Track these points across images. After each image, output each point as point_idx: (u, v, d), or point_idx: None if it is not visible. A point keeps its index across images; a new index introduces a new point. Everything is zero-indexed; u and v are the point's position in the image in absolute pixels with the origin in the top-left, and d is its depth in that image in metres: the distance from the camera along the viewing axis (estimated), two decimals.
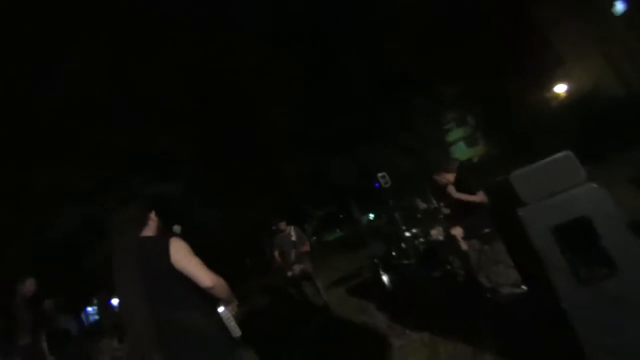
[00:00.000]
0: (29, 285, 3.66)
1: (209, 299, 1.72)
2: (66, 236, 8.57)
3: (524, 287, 2.95)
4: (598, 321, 1.63)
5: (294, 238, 4.89)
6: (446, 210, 3.80)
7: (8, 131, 8.42)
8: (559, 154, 1.84)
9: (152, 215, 1.89)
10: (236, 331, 1.79)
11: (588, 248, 1.69)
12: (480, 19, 12.62)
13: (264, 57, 12.53)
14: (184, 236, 1.87)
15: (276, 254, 4.95)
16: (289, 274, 4.78)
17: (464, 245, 3.58)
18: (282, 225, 5.01)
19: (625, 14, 11.29)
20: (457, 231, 3.61)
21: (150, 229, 1.84)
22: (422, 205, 4.14)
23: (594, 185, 1.69)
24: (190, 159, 11.66)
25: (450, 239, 3.63)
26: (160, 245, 1.67)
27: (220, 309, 1.79)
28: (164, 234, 1.83)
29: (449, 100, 15.23)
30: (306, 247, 4.89)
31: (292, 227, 5.01)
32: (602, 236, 1.62)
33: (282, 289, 5.02)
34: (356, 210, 15.48)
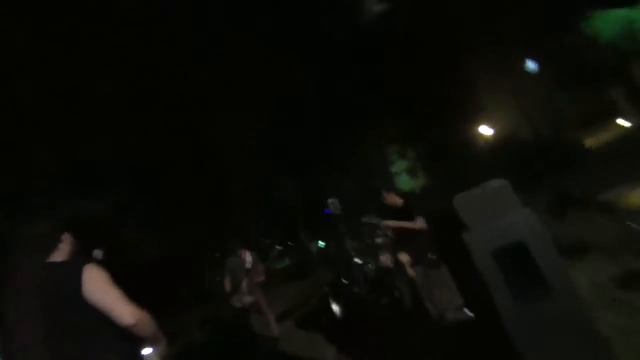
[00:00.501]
0: None
1: (130, 339, 1.43)
2: None
3: (466, 310, 3.05)
4: (536, 337, 1.71)
5: (248, 265, 4.44)
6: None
7: None
8: (496, 181, 1.97)
9: (66, 236, 1.58)
10: None
11: (525, 270, 1.79)
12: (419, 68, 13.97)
13: (217, 69, 12.24)
14: (107, 263, 1.59)
15: (226, 281, 4.47)
16: (238, 304, 4.35)
17: (410, 272, 3.65)
18: (239, 249, 4.56)
19: (535, 72, 13.45)
20: (404, 257, 3.69)
21: (61, 253, 1.53)
22: (370, 220, 4.10)
23: (529, 211, 1.82)
24: (127, 174, 10.58)
25: (398, 265, 3.69)
26: (71, 272, 1.39)
27: (145, 352, 1.52)
28: (79, 259, 1.53)
29: (392, 135, 16.34)
30: (261, 277, 4.49)
31: (248, 253, 4.58)
32: (537, 259, 1.72)
33: (226, 321, 4.56)
34: (306, 237, 15.28)
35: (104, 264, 1.53)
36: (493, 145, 14.33)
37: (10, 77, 8.42)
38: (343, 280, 4.11)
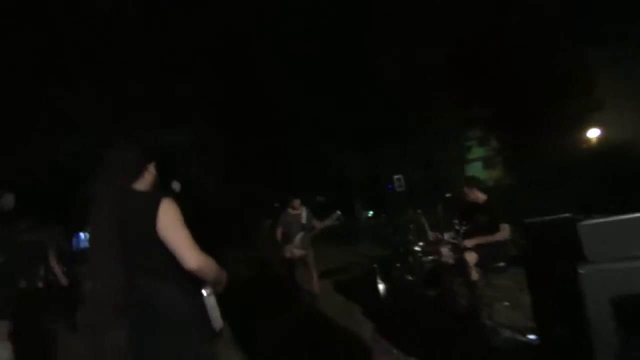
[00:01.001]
0: (6, 200, 3.38)
1: (194, 278, 1.42)
2: (66, 161, 8.36)
3: (531, 336, 2.72)
4: None
5: (304, 220, 4.53)
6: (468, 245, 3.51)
7: (27, 46, 8.11)
8: (637, 214, 1.55)
9: (151, 167, 1.58)
10: (218, 322, 1.51)
11: None
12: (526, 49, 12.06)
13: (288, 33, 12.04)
14: (182, 197, 1.59)
15: (278, 231, 4.61)
16: (287, 255, 4.49)
17: (474, 274, 3.34)
18: (296, 204, 4.62)
19: None
20: (471, 257, 3.36)
21: (144, 182, 1.53)
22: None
23: None
24: (205, 119, 11.33)
25: (461, 264, 3.39)
26: (150, 203, 1.38)
27: (206, 293, 1.50)
28: (158, 191, 1.53)
29: (476, 118, 14.73)
30: (314, 234, 4.54)
31: (305, 209, 4.64)
32: None
33: (274, 268, 4.80)
34: (358, 205, 15.26)
35: (181, 198, 1.53)
36: (600, 152, 12.06)
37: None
38: (397, 264, 3.96)
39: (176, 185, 1.86)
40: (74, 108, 8.50)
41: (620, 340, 1.45)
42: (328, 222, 4.50)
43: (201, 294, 1.49)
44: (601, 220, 1.52)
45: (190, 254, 1.35)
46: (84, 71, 8.98)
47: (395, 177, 5.51)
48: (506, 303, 3.38)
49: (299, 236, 4.41)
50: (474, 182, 3.48)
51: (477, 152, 15.70)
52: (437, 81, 12.88)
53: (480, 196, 3.39)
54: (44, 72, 8.46)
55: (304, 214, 4.54)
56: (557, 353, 1.98)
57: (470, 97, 13.56)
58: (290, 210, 4.65)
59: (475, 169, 15.65)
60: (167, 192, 1.60)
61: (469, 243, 3.41)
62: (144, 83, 9.70)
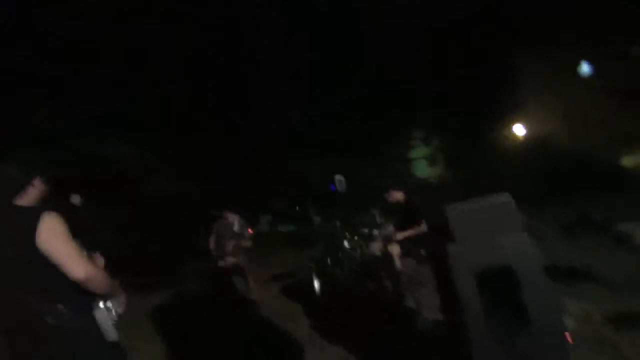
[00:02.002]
0: None
1: (84, 293, 1.40)
2: None
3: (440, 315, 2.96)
4: None
5: (235, 229, 4.59)
6: (387, 230, 3.75)
7: None
8: (499, 197, 1.77)
9: (37, 181, 1.53)
10: (111, 334, 1.51)
11: (507, 298, 1.64)
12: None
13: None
14: (83, 209, 1.55)
15: (211, 240, 4.62)
16: (221, 264, 4.51)
17: (398, 264, 3.56)
18: (226, 213, 4.68)
19: (588, 76, 12.24)
20: (395, 249, 3.58)
21: (28, 198, 1.49)
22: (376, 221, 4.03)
23: (526, 235, 1.64)
24: (143, 128, 10.66)
25: (387, 256, 3.59)
26: (30, 219, 1.34)
27: (100, 305, 1.50)
28: (41, 206, 1.48)
29: (420, 118, 15.66)
30: (246, 242, 4.61)
31: (238, 218, 4.70)
32: (524, 290, 1.56)
33: (213, 278, 4.73)
34: (312, 208, 15.36)
35: (81, 211, 1.49)
36: (524, 147, 13.47)
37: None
38: (328, 260, 4.08)
39: (76, 199, 1.78)
40: None
41: (486, 311, 1.64)
42: (258, 228, 4.56)
43: (91, 307, 1.48)
44: (467, 202, 1.71)
45: (75, 265, 1.33)
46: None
47: (336, 176, 5.64)
48: (428, 288, 3.64)
49: (229, 246, 4.44)
50: (393, 185, 3.72)
51: (420, 151, 16.62)
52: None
53: (400, 196, 3.64)
54: None
55: (236, 222, 4.58)
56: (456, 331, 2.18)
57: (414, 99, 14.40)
58: (222, 220, 4.71)
59: (421, 167, 16.56)
60: (55, 207, 1.52)
61: (398, 236, 3.64)
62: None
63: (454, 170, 14.64)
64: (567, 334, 1.66)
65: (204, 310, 4.69)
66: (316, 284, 4.01)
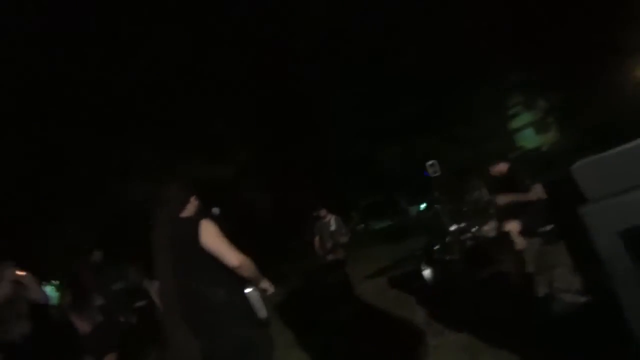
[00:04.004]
0: (95, 257, 4.16)
1: (237, 279, 1.77)
2: (130, 208, 9.52)
3: (584, 296, 2.56)
4: None
5: (332, 227, 4.89)
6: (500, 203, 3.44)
7: (86, 106, 9.49)
8: (635, 142, 1.49)
9: (193, 199, 2.00)
10: (262, 312, 1.82)
11: None
12: None
13: (319, 41, 12.35)
14: (224, 219, 1.95)
15: (316, 240, 5.00)
16: (323, 262, 4.86)
17: (519, 243, 3.21)
18: (323, 212, 5.01)
19: None
20: (513, 226, 3.24)
21: (188, 211, 1.96)
22: (478, 197, 3.79)
23: None
24: (242, 144, 12.15)
25: (504, 236, 3.28)
26: (192, 226, 1.77)
27: (248, 289, 1.83)
28: (200, 215, 1.92)
29: (516, 83, 13.69)
30: (343, 239, 4.85)
31: (333, 217, 5.00)
32: None
33: (319, 275, 5.09)
34: (404, 200, 14.87)
35: (220, 219, 1.90)
36: None
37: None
38: (435, 247, 3.93)
39: (216, 211, 2.22)
40: (135, 162, 9.79)
41: (637, 272, 1.40)
42: (353, 226, 4.73)
43: (243, 290, 1.83)
44: (593, 157, 1.49)
45: (231, 255, 1.72)
46: (141, 129, 10.28)
47: (428, 163, 5.46)
48: (562, 267, 3.17)
49: (328, 244, 4.75)
50: (496, 158, 3.40)
51: (524, 118, 14.54)
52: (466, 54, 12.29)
53: (503, 167, 3.30)
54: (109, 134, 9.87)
55: (332, 221, 4.87)
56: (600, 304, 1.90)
57: (511, 62, 12.68)
58: (320, 219, 5.03)
59: (528, 137, 14.48)
60: (208, 215, 1.95)
61: (501, 200, 3.32)
62: (187, 131, 10.84)
63: (573, 133, 12.35)
64: None
65: (314, 307, 5.04)
66: (426, 273, 3.91)
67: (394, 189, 15.09)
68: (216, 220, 1.86)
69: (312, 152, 14.19)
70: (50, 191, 9.42)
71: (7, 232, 8.47)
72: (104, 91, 9.80)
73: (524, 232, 3.23)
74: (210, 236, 1.73)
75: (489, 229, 3.52)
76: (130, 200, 9.06)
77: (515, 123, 15.07)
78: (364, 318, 4.05)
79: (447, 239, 3.74)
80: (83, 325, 3.82)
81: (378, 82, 13.07)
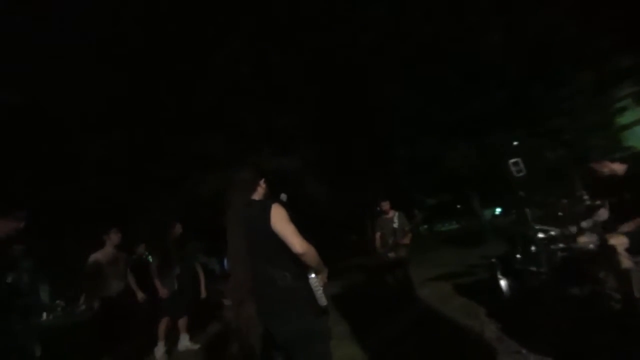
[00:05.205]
0: (177, 229, 4.63)
1: (301, 265, 1.78)
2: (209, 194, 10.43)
3: None
4: None
5: (395, 225, 4.66)
6: (603, 214, 2.88)
7: (178, 111, 10.71)
8: None
9: (262, 182, 2.08)
10: (322, 300, 1.80)
11: None
12: None
13: (382, 33, 11.92)
14: (289, 205, 1.97)
15: (377, 236, 4.82)
16: (385, 259, 4.65)
17: (626, 262, 2.67)
18: (386, 206, 4.80)
19: None
20: (619, 241, 2.71)
21: (258, 194, 2.04)
22: (577, 202, 3.20)
23: None
24: (310, 140, 12.40)
25: (607, 250, 2.75)
26: (263, 208, 1.81)
27: (310, 276, 1.83)
28: (269, 200, 1.95)
29: (627, 69, 11.40)
30: (406, 239, 4.59)
31: (397, 214, 4.77)
32: None
33: (378, 272, 4.91)
34: (476, 202, 13.62)
35: (286, 205, 1.92)
36: None
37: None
38: (517, 256, 3.46)
39: (283, 196, 2.27)
40: (214, 152, 10.75)
41: None
42: (416, 225, 4.43)
43: (307, 277, 1.83)
44: None
45: (297, 241, 1.72)
46: (220, 122, 11.26)
47: (511, 161, 4.90)
48: None
49: (390, 241, 4.54)
50: (602, 155, 2.82)
51: (633, 114, 12.13)
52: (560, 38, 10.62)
53: (618, 167, 2.72)
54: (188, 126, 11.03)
55: (396, 219, 4.62)
56: None
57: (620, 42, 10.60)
58: (383, 215, 4.83)
59: (637, 136, 12.09)
60: (276, 200, 2.00)
61: (625, 228, 2.75)
62: (259, 122, 11.49)
63: None
64: None
65: (371, 305, 4.90)
66: (502, 284, 3.49)
67: (465, 190, 13.95)
68: (285, 205, 1.87)
69: (377, 148, 13.86)
70: (146, 178, 10.90)
71: (110, 212, 10.11)
72: (195, 98, 10.90)
73: (631, 250, 2.68)
74: (280, 219, 1.75)
75: (588, 240, 2.99)
76: (209, 188, 9.97)
77: (622, 119, 12.67)
78: (424, 325, 3.77)
79: (532, 248, 3.27)
80: (163, 291, 4.34)
81: (457, 69, 12.01)
